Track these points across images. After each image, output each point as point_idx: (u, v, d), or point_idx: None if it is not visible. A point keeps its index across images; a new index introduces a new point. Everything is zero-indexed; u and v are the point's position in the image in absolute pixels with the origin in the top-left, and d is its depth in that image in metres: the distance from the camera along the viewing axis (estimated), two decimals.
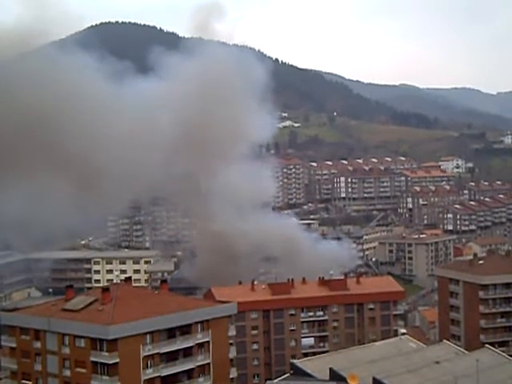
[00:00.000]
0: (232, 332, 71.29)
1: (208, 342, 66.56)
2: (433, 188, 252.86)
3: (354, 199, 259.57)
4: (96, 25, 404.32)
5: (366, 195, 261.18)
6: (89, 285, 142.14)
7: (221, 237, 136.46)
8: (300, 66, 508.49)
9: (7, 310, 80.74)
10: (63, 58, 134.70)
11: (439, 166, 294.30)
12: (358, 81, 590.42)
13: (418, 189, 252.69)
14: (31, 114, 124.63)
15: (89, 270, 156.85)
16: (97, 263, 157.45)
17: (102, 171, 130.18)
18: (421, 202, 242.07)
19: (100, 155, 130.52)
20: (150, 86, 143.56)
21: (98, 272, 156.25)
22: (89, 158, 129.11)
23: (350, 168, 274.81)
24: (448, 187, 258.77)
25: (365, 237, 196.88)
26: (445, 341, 77.55)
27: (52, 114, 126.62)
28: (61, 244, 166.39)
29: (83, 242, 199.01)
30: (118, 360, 60.55)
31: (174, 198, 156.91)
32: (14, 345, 66.59)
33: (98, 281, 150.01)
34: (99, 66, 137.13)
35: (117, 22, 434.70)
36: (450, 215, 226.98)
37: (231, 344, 71.26)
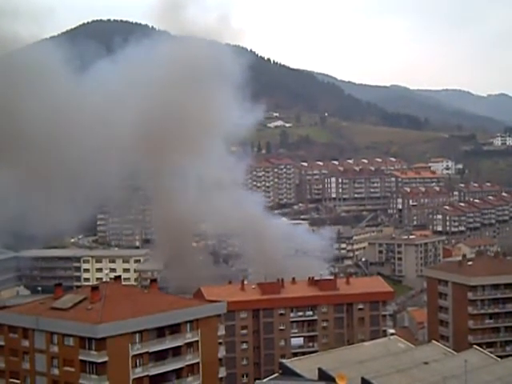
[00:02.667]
0: (221, 331, 71.31)
1: (197, 341, 66.50)
2: (423, 189, 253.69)
3: (345, 199, 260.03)
4: (88, 22, 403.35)
5: (356, 196, 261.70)
6: (78, 283, 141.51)
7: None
8: (292, 66, 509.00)
9: None
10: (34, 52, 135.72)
11: (429, 167, 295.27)
12: (349, 81, 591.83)
13: (407, 190, 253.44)
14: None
15: (78, 269, 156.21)
16: (86, 262, 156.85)
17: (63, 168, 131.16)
18: (411, 202, 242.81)
19: (58, 152, 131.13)
20: (113, 73, 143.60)
21: (87, 270, 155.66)
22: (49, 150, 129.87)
23: (341, 168, 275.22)
24: (438, 188, 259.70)
25: (355, 237, 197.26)
26: (433, 341, 77.89)
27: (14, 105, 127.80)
28: (50, 242, 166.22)
29: (72, 240, 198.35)
30: (106, 359, 60.44)
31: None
32: (1, 343, 66.38)
33: (87, 279, 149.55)
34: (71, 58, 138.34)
35: (108, 20, 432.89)
36: (439, 216, 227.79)
37: (220, 343, 71.26)
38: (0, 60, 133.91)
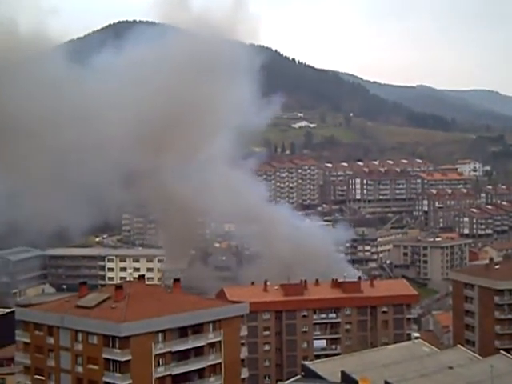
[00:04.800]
0: (244, 332, 71.14)
1: (220, 341, 66.47)
2: (449, 191, 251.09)
3: (369, 201, 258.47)
4: (114, 23, 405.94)
5: (381, 197, 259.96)
6: (102, 282, 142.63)
7: None
8: (317, 66, 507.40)
9: (22, 306, 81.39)
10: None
11: (456, 169, 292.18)
12: (374, 81, 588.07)
13: (434, 191, 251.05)
14: None
15: (102, 268, 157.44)
16: (110, 261, 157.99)
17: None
18: (437, 204, 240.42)
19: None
20: (119, 68, 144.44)
21: (111, 269, 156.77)
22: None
23: (366, 169, 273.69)
24: (465, 190, 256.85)
25: (379, 239, 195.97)
26: (459, 346, 76.84)
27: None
28: (75, 241, 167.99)
29: (97, 240, 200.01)
30: (130, 357, 60.71)
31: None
32: (27, 340, 67.01)
33: (111, 278, 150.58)
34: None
35: (134, 21, 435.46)
36: (466, 219, 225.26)
37: (243, 344, 71.05)
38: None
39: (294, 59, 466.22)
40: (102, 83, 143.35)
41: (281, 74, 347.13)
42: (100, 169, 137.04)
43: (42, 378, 65.76)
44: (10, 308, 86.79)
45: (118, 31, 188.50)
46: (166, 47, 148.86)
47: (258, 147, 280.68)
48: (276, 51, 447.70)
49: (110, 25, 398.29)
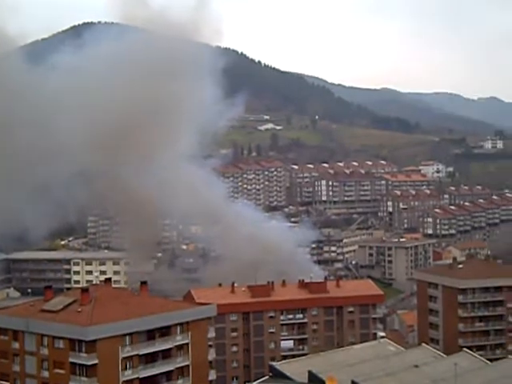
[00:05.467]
0: (211, 334, 71.33)
1: (187, 343, 66.49)
2: (413, 192, 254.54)
3: (335, 202, 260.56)
4: (78, 25, 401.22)
5: (346, 198, 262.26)
6: (68, 285, 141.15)
7: None
8: (283, 68, 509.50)
9: None
10: None
11: (419, 171, 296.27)
12: (339, 84, 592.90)
13: (398, 193, 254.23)
14: None
15: (68, 271, 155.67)
16: (76, 264, 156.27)
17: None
18: (401, 205, 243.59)
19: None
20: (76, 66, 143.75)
21: (77, 273, 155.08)
22: None
23: (331, 171, 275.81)
24: (428, 191, 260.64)
25: (345, 240, 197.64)
26: (423, 344, 78.12)
27: None
28: (40, 244, 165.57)
29: (63, 243, 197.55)
30: (96, 361, 60.40)
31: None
32: None
33: (77, 282, 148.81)
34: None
35: (99, 22, 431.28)
36: (429, 219, 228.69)
37: (210, 346, 71.26)
38: None
39: (259, 61, 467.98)
40: (60, 83, 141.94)
41: (246, 76, 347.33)
42: (57, 171, 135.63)
43: (7, 383, 64.91)
44: None
45: (81, 32, 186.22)
46: (126, 47, 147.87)
47: (224, 149, 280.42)
48: (242, 53, 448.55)
49: (74, 26, 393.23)
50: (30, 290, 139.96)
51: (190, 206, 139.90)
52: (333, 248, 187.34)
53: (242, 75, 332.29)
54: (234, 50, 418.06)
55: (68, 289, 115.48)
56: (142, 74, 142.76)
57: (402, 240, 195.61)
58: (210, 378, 69.35)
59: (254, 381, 66.94)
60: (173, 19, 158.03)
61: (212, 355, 70.59)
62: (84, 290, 66.86)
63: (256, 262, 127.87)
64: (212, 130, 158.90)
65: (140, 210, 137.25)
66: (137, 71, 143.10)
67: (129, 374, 62.46)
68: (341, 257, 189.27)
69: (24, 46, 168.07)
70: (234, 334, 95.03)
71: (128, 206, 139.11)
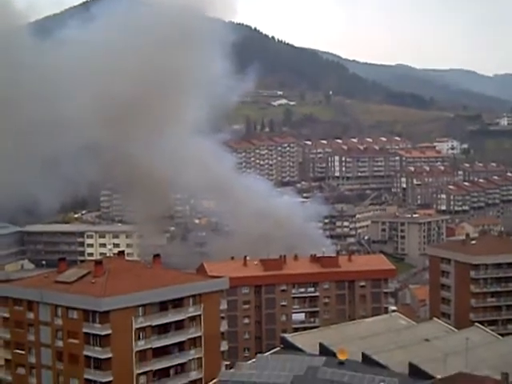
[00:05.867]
0: (224, 306, 71.87)
1: (200, 315, 67.03)
2: (427, 168, 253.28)
3: (348, 178, 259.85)
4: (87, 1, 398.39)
5: (360, 174, 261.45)
6: (82, 258, 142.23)
7: None
8: (296, 44, 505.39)
9: (1, 281, 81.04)
10: None
11: (434, 147, 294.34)
12: (354, 60, 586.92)
13: (412, 169, 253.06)
14: None
15: (82, 244, 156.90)
16: (90, 237, 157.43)
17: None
18: (415, 181, 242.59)
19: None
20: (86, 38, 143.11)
21: (90, 246, 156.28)
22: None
23: (345, 147, 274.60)
24: (442, 168, 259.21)
25: (358, 215, 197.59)
26: (435, 319, 78.10)
27: None
28: (53, 217, 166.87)
29: (76, 216, 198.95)
30: (110, 331, 61.11)
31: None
32: (7, 315, 67.03)
33: (90, 254, 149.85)
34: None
35: None
36: (443, 195, 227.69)
37: (223, 318, 71.79)
38: None
39: (273, 37, 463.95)
40: (69, 57, 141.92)
41: (260, 52, 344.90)
42: (66, 145, 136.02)
43: (23, 352, 65.95)
44: None
45: (90, 6, 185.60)
46: (135, 19, 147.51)
47: (236, 124, 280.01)
48: (255, 29, 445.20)
49: (85, 1, 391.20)
50: (44, 262, 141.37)
51: (200, 179, 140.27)
52: (345, 223, 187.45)
53: (256, 51, 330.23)
54: (247, 26, 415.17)
55: (82, 261, 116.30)
56: (151, 46, 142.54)
57: (415, 216, 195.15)
58: (222, 348, 69.94)
59: (266, 352, 67.39)
60: None
61: (224, 327, 71.12)
62: (98, 262, 67.55)
63: (267, 236, 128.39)
64: (223, 105, 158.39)
65: (151, 184, 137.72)
66: (146, 44, 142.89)
67: (142, 345, 63.19)
68: (353, 232, 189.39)
69: (36, 21, 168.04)
70: (246, 306, 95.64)
71: (139, 179, 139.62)
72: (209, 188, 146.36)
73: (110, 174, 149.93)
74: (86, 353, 61.98)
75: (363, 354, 59.27)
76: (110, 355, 61.22)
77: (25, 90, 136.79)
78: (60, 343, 63.67)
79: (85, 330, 61.91)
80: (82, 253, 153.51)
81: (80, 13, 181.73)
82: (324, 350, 61.10)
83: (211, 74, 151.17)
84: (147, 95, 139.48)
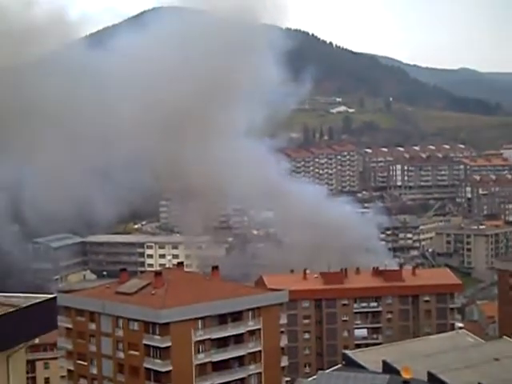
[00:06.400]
0: (283, 320, 70.63)
1: (259, 329, 66.16)
2: (493, 177, 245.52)
3: (411, 188, 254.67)
4: (144, 11, 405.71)
5: (422, 184, 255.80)
6: (142, 269, 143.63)
7: None
8: (354, 49, 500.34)
9: (64, 292, 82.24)
10: None
11: (501, 154, 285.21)
12: (415, 65, 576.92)
13: (477, 178, 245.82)
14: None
15: (142, 254, 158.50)
16: (150, 247, 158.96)
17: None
18: (480, 191, 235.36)
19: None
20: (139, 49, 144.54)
21: (150, 256, 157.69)
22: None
23: (407, 155, 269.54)
24: (510, 176, 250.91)
25: (421, 227, 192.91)
26: (505, 337, 74.81)
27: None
28: (114, 228, 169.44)
29: (136, 227, 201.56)
30: (170, 344, 60.84)
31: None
32: (69, 325, 67.70)
33: (150, 265, 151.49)
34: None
35: (162, 7, 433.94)
36: (511, 206, 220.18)
37: (282, 332, 70.55)
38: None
39: (331, 43, 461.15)
40: (123, 67, 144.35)
41: (317, 58, 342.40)
42: (120, 154, 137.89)
43: (84, 363, 66.41)
44: (52, 294, 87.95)
45: (146, 17, 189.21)
46: (189, 28, 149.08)
47: (294, 132, 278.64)
48: (312, 35, 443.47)
49: (142, 12, 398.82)
50: (105, 273, 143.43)
51: (255, 188, 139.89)
52: (408, 235, 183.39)
53: (313, 57, 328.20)
54: (304, 32, 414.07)
55: (142, 272, 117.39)
56: (204, 54, 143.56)
57: (481, 227, 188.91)
58: (283, 364, 68.80)
59: (327, 368, 65.89)
60: (236, 1, 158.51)
61: (284, 341, 69.94)
62: (157, 274, 67.70)
63: (324, 248, 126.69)
64: (280, 112, 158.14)
65: (206, 194, 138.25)
66: (199, 52, 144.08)
67: (202, 358, 62.70)
68: (417, 244, 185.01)
69: (92, 33, 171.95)
70: (307, 321, 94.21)
71: (194, 189, 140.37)
72: (264, 197, 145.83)
73: (166, 184, 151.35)
74: (146, 365, 61.86)
75: (429, 373, 56.96)
76: (170, 368, 60.93)
77: (78, 101, 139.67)
78: (121, 355, 63.81)
79: (145, 342, 61.83)
80: (143, 263, 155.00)
81: (134, 23, 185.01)
82: (387, 368, 59.12)
83: (267, 81, 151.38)
84: (200, 104, 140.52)
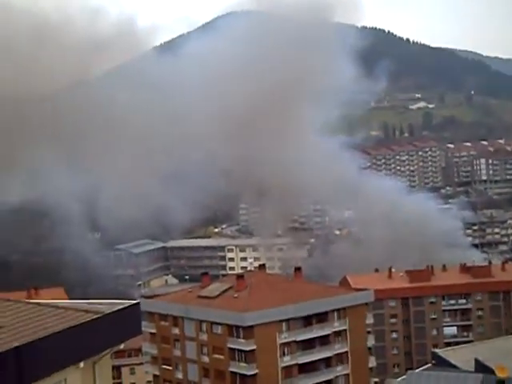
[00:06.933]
0: (370, 320, 69.10)
1: (345, 330, 65.02)
2: None
3: (496, 182, 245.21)
4: (221, 15, 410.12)
5: (508, 177, 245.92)
6: (223, 272, 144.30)
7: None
8: (432, 44, 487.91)
9: (147, 297, 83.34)
10: None
11: None
12: (496, 57, 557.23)
13: None
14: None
15: (223, 258, 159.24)
16: (230, 251, 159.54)
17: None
18: None
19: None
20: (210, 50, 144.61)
21: (232, 259, 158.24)
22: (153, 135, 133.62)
23: (491, 149, 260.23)
24: None
25: (509, 221, 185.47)
26: None
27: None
28: (195, 232, 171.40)
29: (216, 230, 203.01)
30: (254, 347, 60.42)
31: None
32: (153, 330, 68.31)
33: (232, 268, 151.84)
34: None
35: (233, 12, 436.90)
36: None
37: (369, 332, 69.04)
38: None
39: (407, 39, 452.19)
40: (198, 72, 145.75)
41: (395, 55, 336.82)
42: (194, 158, 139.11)
43: (169, 367, 66.80)
44: (135, 299, 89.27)
45: (216, 22, 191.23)
46: (263, 31, 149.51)
47: (374, 130, 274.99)
48: (389, 32, 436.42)
49: (216, 18, 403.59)
50: (187, 277, 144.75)
51: (333, 187, 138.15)
52: (496, 230, 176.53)
53: (390, 54, 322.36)
54: (380, 29, 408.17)
55: (224, 275, 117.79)
56: (276, 56, 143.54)
57: None
58: (370, 364, 67.25)
59: (416, 368, 63.63)
60: (310, 2, 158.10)
61: (371, 342, 68.35)
62: (239, 277, 67.57)
63: (407, 245, 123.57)
64: (357, 109, 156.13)
65: (284, 194, 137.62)
66: (271, 54, 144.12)
67: (287, 360, 61.98)
68: (505, 239, 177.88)
69: (167, 41, 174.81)
70: (394, 320, 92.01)
71: (270, 190, 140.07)
72: (343, 195, 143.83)
73: (243, 185, 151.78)
74: (231, 369, 61.63)
75: None
76: (255, 371, 60.46)
77: (151, 109, 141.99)
78: (206, 359, 63.81)
79: (229, 346, 61.60)
80: (224, 267, 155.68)
81: (206, 30, 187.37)
82: (480, 367, 56.31)
83: (342, 80, 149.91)
84: (274, 104, 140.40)
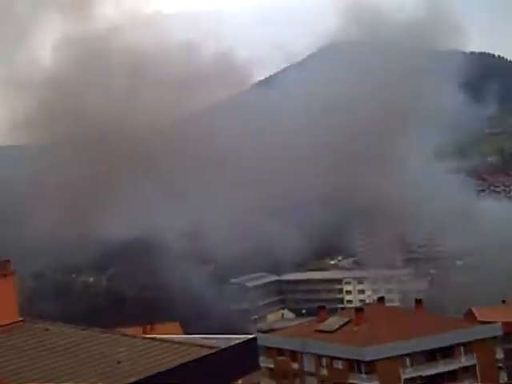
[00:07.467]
0: (499, 355, 64.77)
1: (474, 365, 61.39)
2: None
3: None
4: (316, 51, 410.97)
5: None
6: (341, 305, 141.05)
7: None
8: None
9: (263, 332, 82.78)
10: None
11: None
12: None
13: None
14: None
15: (340, 291, 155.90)
16: (348, 283, 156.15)
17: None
18: None
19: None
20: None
21: (349, 292, 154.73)
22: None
23: None
24: None
25: None
26: None
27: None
28: (308, 264, 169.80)
29: (332, 262, 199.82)
30: (377, 382, 58.25)
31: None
32: (271, 365, 67.35)
33: (349, 301, 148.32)
34: None
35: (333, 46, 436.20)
36: None
37: (500, 368, 64.59)
38: None
39: None
40: (298, 106, 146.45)
41: (506, 79, 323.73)
42: (299, 188, 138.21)
43: None
44: (251, 334, 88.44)
45: (317, 55, 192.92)
46: (366, 60, 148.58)
47: (490, 156, 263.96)
48: (499, 56, 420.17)
49: (313, 53, 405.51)
50: (304, 311, 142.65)
51: (448, 214, 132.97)
52: None
53: (501, 79, 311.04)
54: (489, 54, 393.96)
55: (342, 308, 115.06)
56: (378, 86, 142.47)
57: None
58: None
59: None
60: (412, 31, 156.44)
61: (503, 379, 63.97)
62: (358, 310, 66.29)
63: None
64: (469, 135, 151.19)
65: (399, 222, 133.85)
66: (373, 84, 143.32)
67: None
68: None
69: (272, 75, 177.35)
70: None
71: (384, 219, 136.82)
72: (458, 222, 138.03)
73: (354, 216, 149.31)
74: None
75: None
76: None
77: (255, 141, 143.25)
78: None
79: (351, 381, 59.76)
80: (341, 300, 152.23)
81: (308, 60, 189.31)
82: None
83: (450, 105, 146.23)
84: (379, 132, 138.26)
